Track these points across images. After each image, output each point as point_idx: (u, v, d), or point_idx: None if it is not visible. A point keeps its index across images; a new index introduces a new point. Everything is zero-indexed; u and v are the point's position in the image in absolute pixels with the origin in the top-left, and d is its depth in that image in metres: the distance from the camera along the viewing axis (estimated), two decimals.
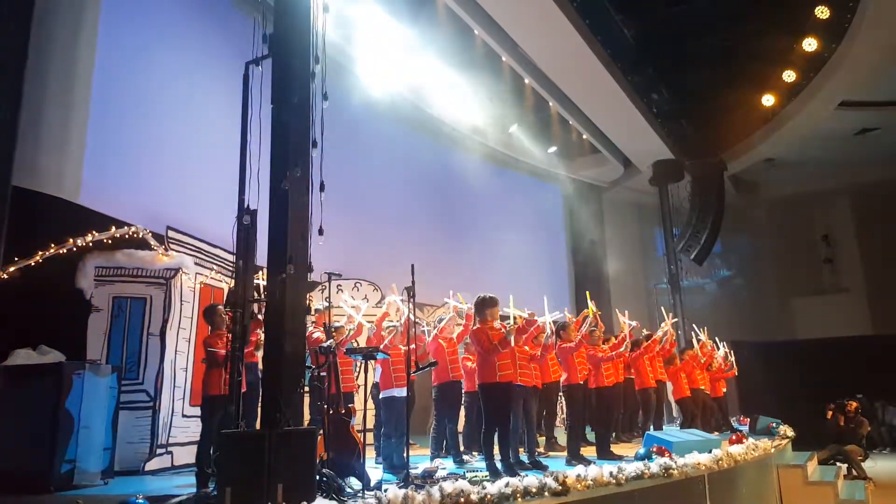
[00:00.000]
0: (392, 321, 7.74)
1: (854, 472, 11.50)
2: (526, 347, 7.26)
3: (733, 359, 12.23)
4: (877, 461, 13.06)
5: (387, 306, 8.05)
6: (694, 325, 11.84)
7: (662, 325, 10.03)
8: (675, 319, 10.25)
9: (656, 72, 14.99)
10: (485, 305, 6.38)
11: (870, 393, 15.66)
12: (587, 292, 8.28)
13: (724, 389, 11.85)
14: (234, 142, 5.18)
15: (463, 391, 8.23)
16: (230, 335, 5.13)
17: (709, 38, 14.41)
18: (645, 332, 10.56)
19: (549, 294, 8.13)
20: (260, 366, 5.82)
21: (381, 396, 7.25)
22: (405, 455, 5.82)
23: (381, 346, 6.92)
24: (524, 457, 6.84)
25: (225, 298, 7.86)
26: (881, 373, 16.46)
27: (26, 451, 5.93)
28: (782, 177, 19.80)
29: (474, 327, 6.43)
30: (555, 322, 7.72)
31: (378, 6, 11.46)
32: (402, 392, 6.83)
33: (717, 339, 12.31)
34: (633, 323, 9.12)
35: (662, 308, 11.16)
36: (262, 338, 4.96)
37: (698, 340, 11.42)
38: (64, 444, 5.97)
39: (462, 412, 8.27)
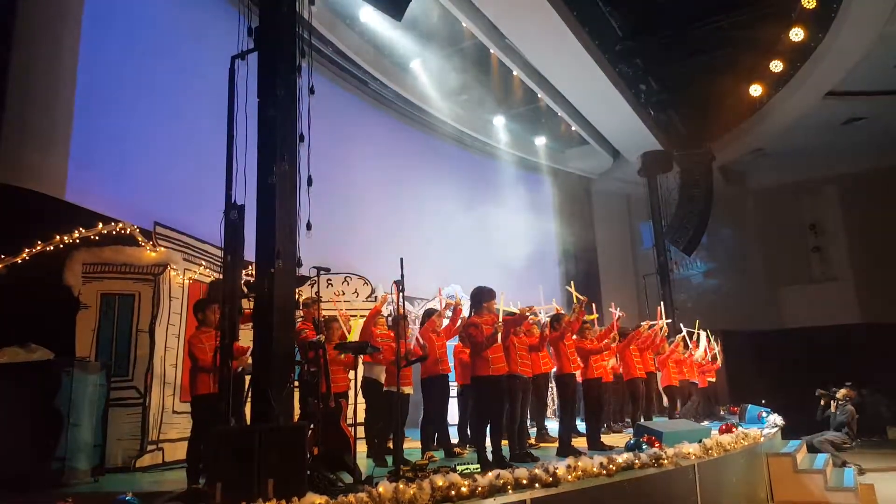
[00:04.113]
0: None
1: (842, 461, 11.59)
2: (523, 335, 7.29)
3: (719, 349, 12.29)
4: (864, 448, 13.21)
5: (379, 301, 8.03)
6: (676, 319, 11.93)
7: (648, 323, 10.10)
8: (669, 321, 10.27)
9: (644, 63, 14.99)
10: (481, 298, 6.39)
11: (857, 381, 15.80)
12: (571, 282, 8.31)
13: (711, 379, 11.94)
14: (220, 136, 5.14)
15: (458, 384, 8.27)
16: (218, 332, 5.11)
17: (696, 29, 14.41)
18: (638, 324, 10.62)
19: (538, 285, 8.17)
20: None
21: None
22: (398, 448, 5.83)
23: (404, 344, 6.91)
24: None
25: (207, 293, 7.79)
26: (869, 361, 16.59)
27: (15, 449, 5.90)
28: (770, 166, 19.88)
29: (468, 319, 6.44)
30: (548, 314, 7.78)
31: None
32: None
33: (708, 331, 12.39)
34: (621, 313, 9.17)
35: (662, 303, 11.18)
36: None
37: (689, 333, 11.51)
38: (53, 443, 5.94)
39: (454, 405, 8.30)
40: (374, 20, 12.30)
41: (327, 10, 11.62)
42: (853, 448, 11.95)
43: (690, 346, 11.40)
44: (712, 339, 12.29)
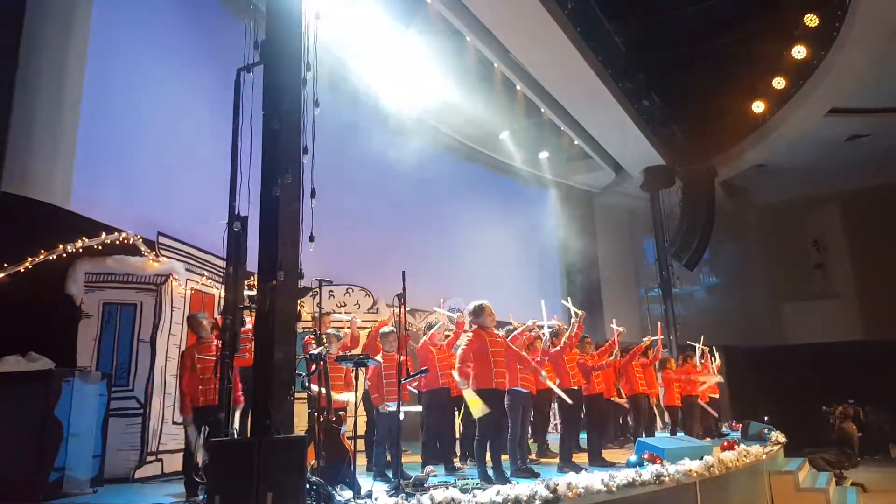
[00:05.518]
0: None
1: (845, 479, 11.51)
2: (524, 353, 7.27)
3: (716, 365, 12.24)
4: (868, 467, 13.12)
5: (388, 316, 8.04)
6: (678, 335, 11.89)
7: (649, 338, 10.10)
8: (661, 337, 10.22)
9: (647, 78, 15.05)
10: (479, 312, 6.41)
11: (860, 398, 15.75)
12: (568, 297, 8.32)
13: (712, 395, 11.89)
14: (225, 148, 5.17)
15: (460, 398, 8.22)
16: (219, 343, 5.11)
17: (699, 46, 14.50)
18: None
19: (540, 299, 8.16)
20: None
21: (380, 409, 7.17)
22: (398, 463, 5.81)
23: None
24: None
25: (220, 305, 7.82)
26: (871, 378, 16.52)
27: (14, 459, 5.87)
28: (773, 182, 19.91)
29: (470, 331, 6.44)
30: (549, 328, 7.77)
31: (370, 13, 11.45)
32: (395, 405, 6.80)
33: (712, 347, 12.36)
34: (621, 328, 9.15)
35: (659, 323, 11.15)
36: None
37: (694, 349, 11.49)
38: (53, 452, 5.91)
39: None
40: (377, 30, 12.32)
41: (331, 22, 11.65)
42: (852, 467, 11.85)
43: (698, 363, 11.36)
44: (712, 354, 12.24)
